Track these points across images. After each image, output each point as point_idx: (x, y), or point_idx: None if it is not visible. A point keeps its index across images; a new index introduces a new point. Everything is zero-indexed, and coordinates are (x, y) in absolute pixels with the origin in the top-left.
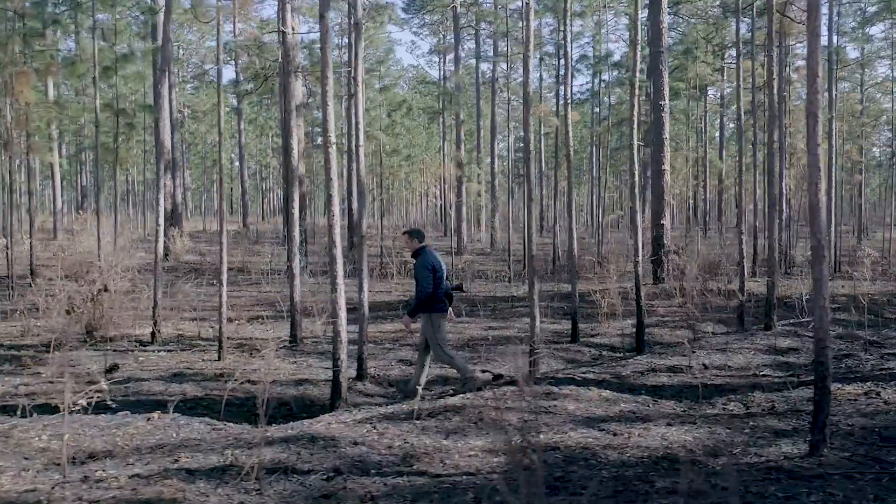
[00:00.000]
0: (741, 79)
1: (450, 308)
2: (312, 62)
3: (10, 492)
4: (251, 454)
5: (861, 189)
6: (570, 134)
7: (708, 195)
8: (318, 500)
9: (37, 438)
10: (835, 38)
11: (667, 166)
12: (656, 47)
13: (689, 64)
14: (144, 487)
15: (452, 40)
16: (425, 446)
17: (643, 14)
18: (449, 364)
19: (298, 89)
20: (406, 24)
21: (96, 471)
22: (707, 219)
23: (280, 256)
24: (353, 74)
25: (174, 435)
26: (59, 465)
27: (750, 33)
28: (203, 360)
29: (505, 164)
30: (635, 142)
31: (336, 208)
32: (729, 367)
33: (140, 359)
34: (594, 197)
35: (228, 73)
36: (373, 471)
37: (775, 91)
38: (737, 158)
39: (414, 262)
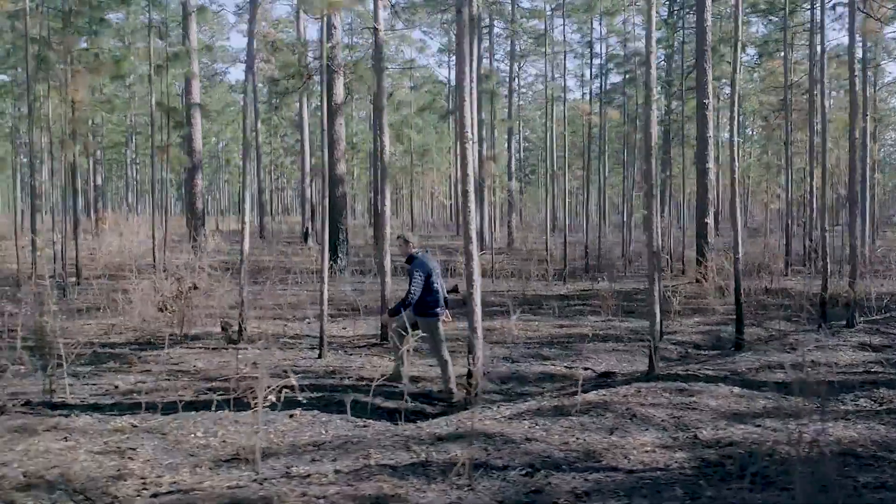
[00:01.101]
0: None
1: (445, 310)
2: (350, 61)
3: (216, 488)
4: (437, 450)
5: (874, 189)
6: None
7: (721, 194)
8: (529, 495)
9: (192, 435)
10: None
11: (711, 165)
12: (701, 45)
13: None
14: (359, 483)
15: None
16: (598, 442)
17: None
18: (441, 367)
19: (340, 88)
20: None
21: (291, 467)
22: (719, 218)
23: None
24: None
25: (323, 432)
26: (236, 460)
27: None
28: (304, 357)
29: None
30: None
31: (473, 204)
32: (836, 363)
33: (238, 356)
34: (623, 195)
35: (237, 74)
36: (563, 466)
37: (857, 88)
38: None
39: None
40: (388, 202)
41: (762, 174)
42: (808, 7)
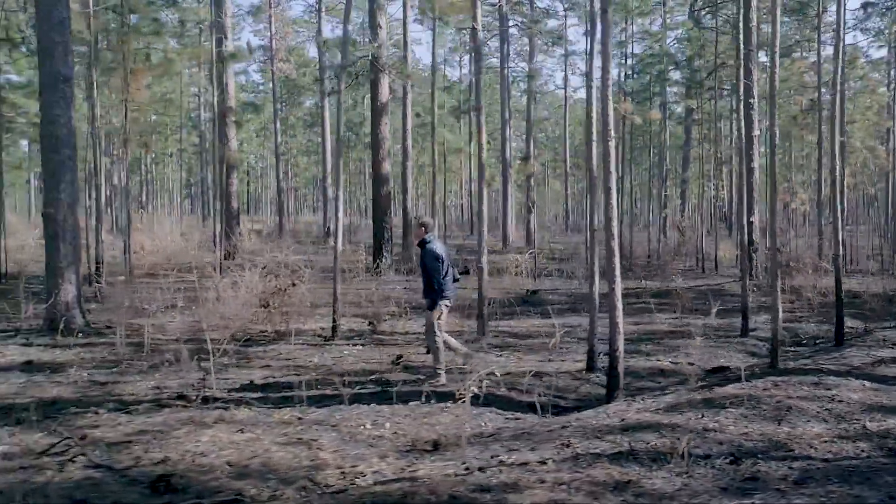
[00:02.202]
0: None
1: (455, 294)
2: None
3: (433, 475)
4: (632, 439)
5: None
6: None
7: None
8: (746, 482)
9: (362, 427)
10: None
11: (756, 164)
12: (747, 46)
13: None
14: (584, 469)
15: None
16: (774, 433)
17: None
18: (434, 350)
19: (385, 88)
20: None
21: (495, 455)
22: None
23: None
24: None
25: (482, 424)
26: (420, 450)
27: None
28: (411, 353)
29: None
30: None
31: (614, 200)
32: None
33: (344, 352)
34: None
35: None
36: (759, 455)
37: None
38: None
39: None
40: (485, 203)
41: (784, 174)
42: (835, 7)
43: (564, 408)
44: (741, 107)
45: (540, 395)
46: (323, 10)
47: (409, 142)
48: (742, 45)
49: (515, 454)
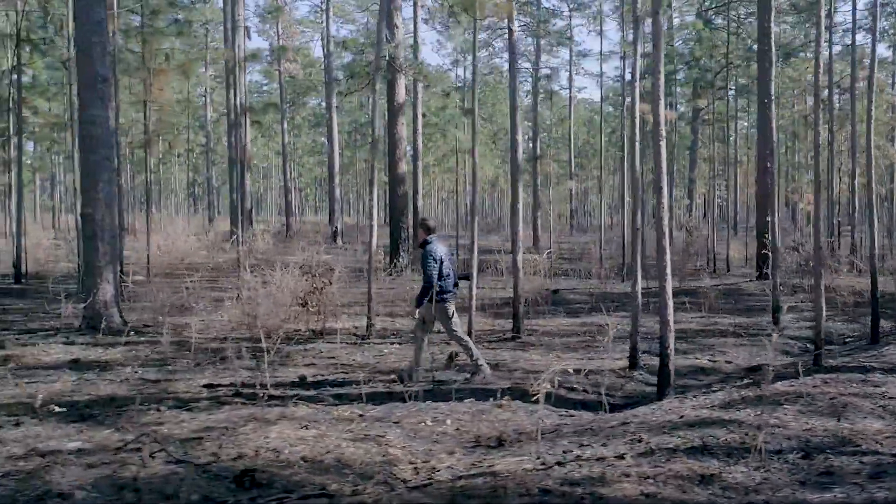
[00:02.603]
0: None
1: (457, 295)
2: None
3: (513, 469)
4: (701, 434)
5: None
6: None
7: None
8: (822, 476)
9: (423, 423)
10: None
11: (773, 164)
12: (764, 45)
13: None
14: (667, 465)
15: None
16: (836, 429)
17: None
18: (464, 347)
19: (401, 88)
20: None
21: (568, 451)
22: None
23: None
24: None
25: (540, 420)
26: (484, 446)
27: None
28: (447, 352)
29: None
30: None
31: (665, 200)
32: None
33: (384, 350)
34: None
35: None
36: (827, 450)
37: None
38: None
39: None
40: (520, 203)
41: (791, 174)
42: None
43: (614, 405)
44: (758, 107)
45: (588, 393)
46: (331, 10)
47: (420, 142)
48: (759, 45)
49: (588, 449)
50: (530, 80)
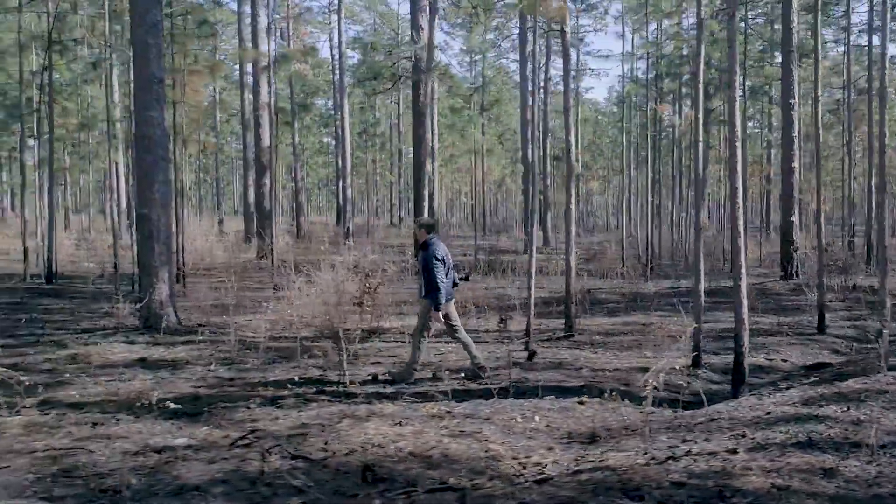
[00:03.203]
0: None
1: (454, 297)
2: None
3: (624, 462)
4: (802, 430)
5: None
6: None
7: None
8: None
9: (513, 420)
10: None
11: (797, 164)
12: (787, 47)
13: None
14: (784, 458)
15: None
16: None
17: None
18: (414, 347)
19: (427, 89)
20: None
21: (676, 446)
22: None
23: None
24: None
25: (622, 417)
26: (584, 442)
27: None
28: (514, 351)
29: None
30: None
31: (740, 200)
32: None
33: (442, 350)
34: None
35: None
36: None
37: None
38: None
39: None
40: (573, 202)
41: (804, 174)
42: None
43: (687, 402)
44: (782, 109)
45: (657, 391)
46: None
47: (436, 142)
48: (782, 46)
49: (692, 444)
50: (536, 80)
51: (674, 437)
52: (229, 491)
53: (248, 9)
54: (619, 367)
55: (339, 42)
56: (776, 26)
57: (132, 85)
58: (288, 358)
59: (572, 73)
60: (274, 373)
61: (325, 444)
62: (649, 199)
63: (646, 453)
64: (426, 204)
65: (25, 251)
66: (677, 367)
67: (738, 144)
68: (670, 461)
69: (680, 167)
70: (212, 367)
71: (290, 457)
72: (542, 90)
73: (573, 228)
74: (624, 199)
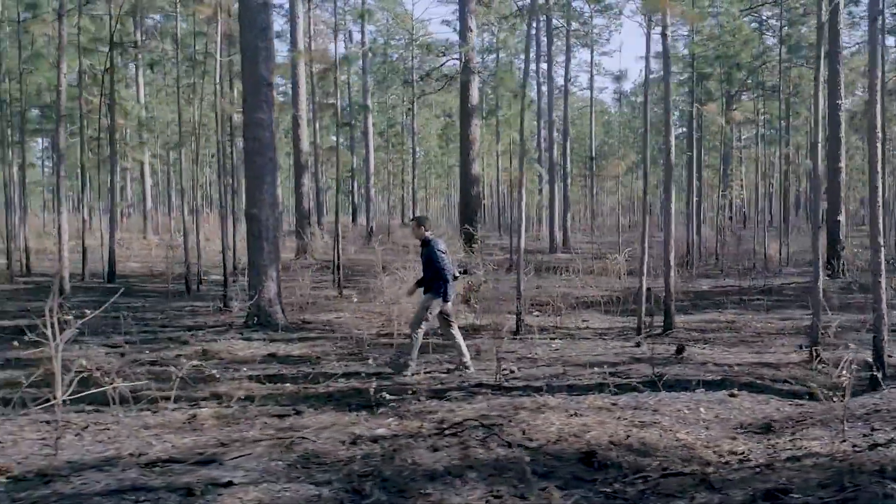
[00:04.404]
0: None
1: (454, 295)
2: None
3: (845, 451)
4: None
5: None
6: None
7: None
8: None
9: (680, 411)
10: None
11: (843, 164)
12: (834, 47)
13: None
14: None
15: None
16: None
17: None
18: (412, 339)
19: (475, 90)
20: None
21: (868, 435)
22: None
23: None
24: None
25: (779, 409)
26: (758, 432)
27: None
28: (623, 346)
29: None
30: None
31: (880, 198)
32: None
33: (553, 346)
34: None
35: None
36: None
37: None
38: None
39: (422, 248)
40: (672, 201)
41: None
42: None
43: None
44: (828, 109)
45: (782, 383)
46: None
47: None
48: (830, 47)
49: (879, 434)
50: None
51: (853, 427)
52: (482, 476)
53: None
54: (740, 362)
55: (363, 43)
56: (802, 28)
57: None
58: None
59: (601, 72)
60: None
61: (523, 432)
62: (694, 199)
63: (843, 441)
64: (474, 204)
65: (84, 251)
66: (796, 361)
67: (879, 144)
68: (878, 448)
69: (699, 165)
70: (341, 363)
71: (506, 445)
72: (547, 89)
73: (672, 228)
74: (619, 199)
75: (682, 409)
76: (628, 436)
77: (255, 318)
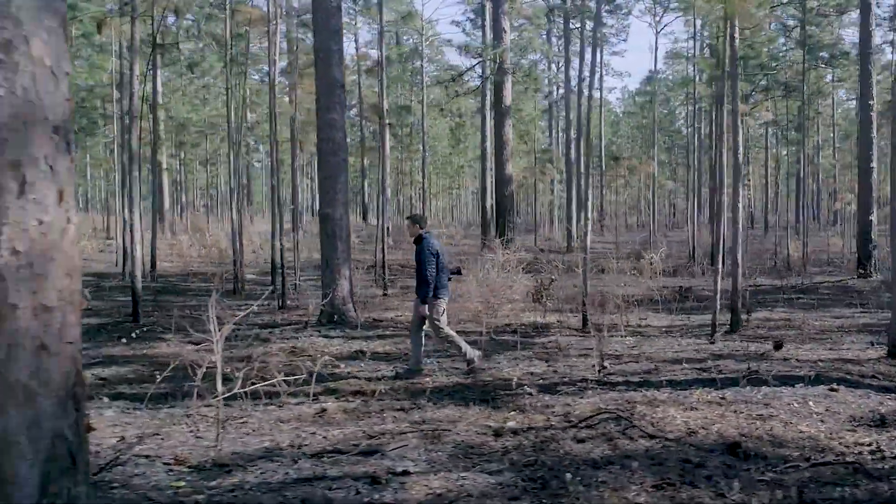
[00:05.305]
0: None
1: (449, 292)
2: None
3: None
4: None
5: None
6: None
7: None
8: None
9: (789, 405)
10: None
11: (875, 164)
12: (865, 48)
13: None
14: None
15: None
16: None
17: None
18: (450, 341)
19: (509, 91)
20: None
21: None
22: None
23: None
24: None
25: (885, 403)
26: (874, 425)
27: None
28: (697, 343)
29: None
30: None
31: None
32: None
33: (627, 343)
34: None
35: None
36: None
37: None
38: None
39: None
40: (740, 202)
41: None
42: None
43: None
44: (860, 110)
45: (877, 379)
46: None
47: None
48: (861, 48)
49: None
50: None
51: None
52: (643, 465)
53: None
54: (819, 358)
55: (380, 44)
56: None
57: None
58: (493, 350)
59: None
60: (499, 364)
61: (653, 425)
62: (722, 199)
63: None
64: (507, 203)
65: (125, 250)
66: (875, 357)
67: None
68: None
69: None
70: (434, 360)
71: (648, 436)
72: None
73: (740, 227)
74: (619, 199)
75: (791, 403)
76: (755, 429)
77: (330, 317)
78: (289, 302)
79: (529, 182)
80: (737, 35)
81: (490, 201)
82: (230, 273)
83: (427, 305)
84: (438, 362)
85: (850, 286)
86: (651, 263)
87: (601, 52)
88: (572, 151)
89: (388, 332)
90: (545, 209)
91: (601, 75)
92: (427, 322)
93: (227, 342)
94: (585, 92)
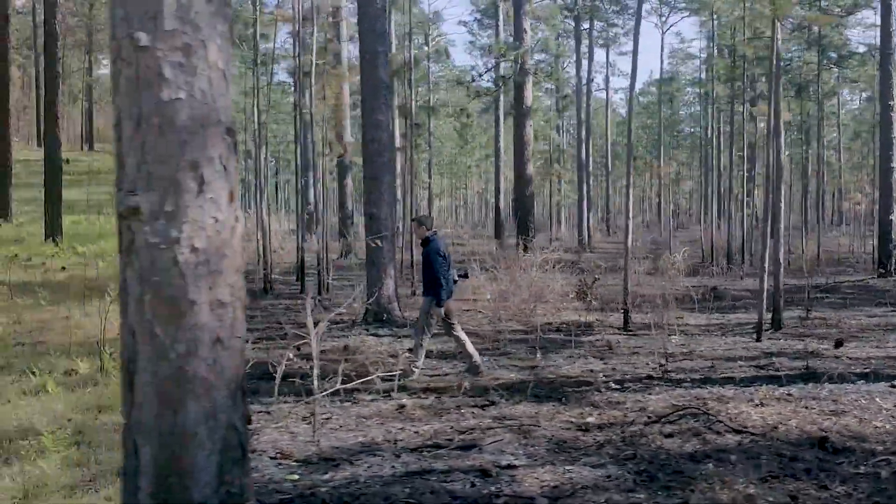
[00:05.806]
0: None
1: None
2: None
3: None
4: None
5: None
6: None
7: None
8: None
9: (856, 401)
10: None
11: (895, 164)
12: (886, 49)
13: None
14: None
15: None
16: None
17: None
18: (418, 341)
19: (529, 91)
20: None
21: None
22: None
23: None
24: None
25: None
26: None
27: None
28: (743, 343)
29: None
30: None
31: None
32: None
33: (675, 342)
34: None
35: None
36: None
37: None
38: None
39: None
40: (781, 202)
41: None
42: None
43: None
44: (881, 111)
45: None
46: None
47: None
48: (881, 48)
49: None
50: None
51: None
52: (741, 459)
53: None
54: (869, 355)
55: (409, 44)
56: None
57: (361, 91)
58: (547, 349)
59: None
60: (556, 362)
61: (731, 420)
62: (748, 199)
63: None
64: (528, 204)
65: None
66: None
67: None
68: None
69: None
70: (491, 358)
71: (731, 431)
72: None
73: (781, 226)
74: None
75: (858, 399)
76: (833, 424)
77: (376, 315)
78: (357, 302)
79: (538, 182)
80: (779, 35)
81: (503, 202)
82: (257, 273)
83: (439, 308)
84: (494, 360)
85: (871, 286)
86: (673, 264)
87: (607, 52)
88: (582, 152)
89: (435, 331)
90: (551, 210)
91: (606, 75)
92: (420, 319)
93: (273, 341)
94: (603, 94)
